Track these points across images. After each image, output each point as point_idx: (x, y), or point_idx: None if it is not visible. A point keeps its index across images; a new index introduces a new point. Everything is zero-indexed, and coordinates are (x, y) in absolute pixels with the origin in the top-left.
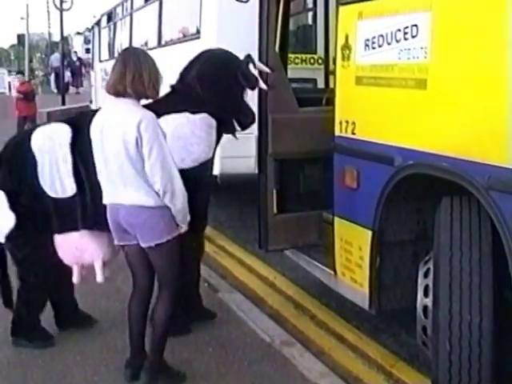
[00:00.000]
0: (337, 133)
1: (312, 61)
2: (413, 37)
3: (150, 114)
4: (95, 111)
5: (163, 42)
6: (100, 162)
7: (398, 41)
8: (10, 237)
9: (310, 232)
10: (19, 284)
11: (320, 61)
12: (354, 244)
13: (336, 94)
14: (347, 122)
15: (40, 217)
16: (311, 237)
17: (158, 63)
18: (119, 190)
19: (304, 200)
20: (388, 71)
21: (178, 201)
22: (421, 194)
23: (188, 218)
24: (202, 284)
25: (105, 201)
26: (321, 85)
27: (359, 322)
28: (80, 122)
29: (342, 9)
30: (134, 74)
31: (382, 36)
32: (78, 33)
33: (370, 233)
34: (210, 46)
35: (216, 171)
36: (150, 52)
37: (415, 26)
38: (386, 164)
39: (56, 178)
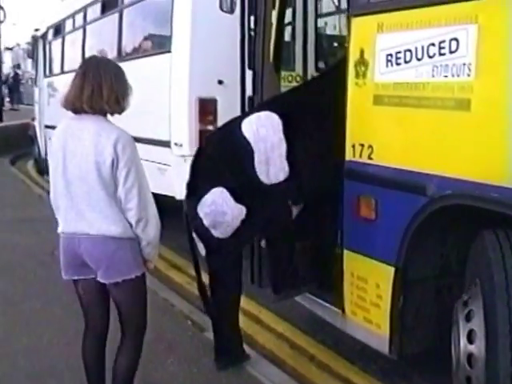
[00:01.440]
0: (348, 157)
1: (290, 78)
2: (451, 52)
3: (127, 134)
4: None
5: (124, 56)
6: (59, 185)
7: (431, 56)
8: (237, 232)
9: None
10: None
11: (298, 78)
12: (369, 281)
13: (347, 115)
14: (362, 146)
15: (261, 206)
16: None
17: None
18: (83, 217)
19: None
20: (418, 90)
21: (151, 230)
22: (445, 226)
23: (157, 251)
24: (185, 321)
25: (62, 229)
26: None
27: (364, 363)
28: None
29: (355, 21)
30: (92, 89)
31: (409, 51)
32: (8, 48)
33: (391, 269)
34: (182, 62)
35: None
36: None
37: (455, 39)
38: (415, 193)
39: (271, 164)
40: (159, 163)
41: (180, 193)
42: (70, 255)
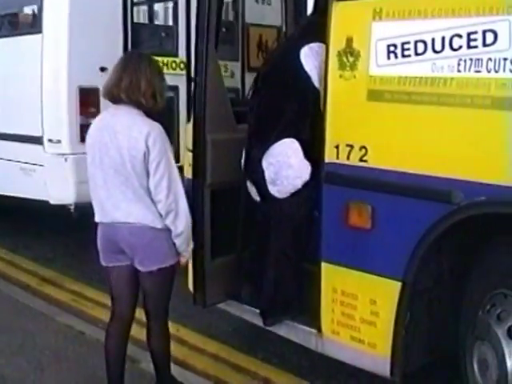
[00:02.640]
0: (329, 159)
1: (174, 65)
2: (486, 45)
3: (158, 126)
4: None
5: None
6: (97, 176)
7: (455, 49)
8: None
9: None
10: None
11: (182, 65)
12: (360, 297)
13: (326, 111)
14: (350, 147)
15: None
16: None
17: None
18: (120, 207)
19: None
20: (438, 86)
21: (181, 223)
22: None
23: (191, 245)
24: None
25: (99, 219)
26: (183, 93)
27: (325, 381)
28: None
29: (339, 5)
30: (130, 80)
31: (422, 42)
32: None
33: (396, 284)
34: (58, 45)
35: (70, 200)
36: None
37: (491, 31)
38: (435, 201)
39: None
40: (25, 163)
41: (57, 196)
42: (107, 242)
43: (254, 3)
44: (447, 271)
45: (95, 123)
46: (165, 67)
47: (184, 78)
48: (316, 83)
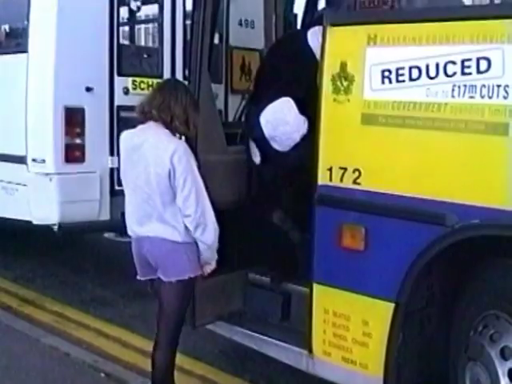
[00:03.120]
0: (322, 181)
1: None
2: (480, 72)
3: (183, 145)
4: None
5: None
6: (126, 191)
7: (449, 75)
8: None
9: (235, 297)
10: None
11: None
12: (353, 318)
13: (319, 134)
14: (344, 170)
15: None
16: (236, 303)
17: None
18: (143, 222)
19: (229, 258)
20: (432, 111)
21: (209, 236)
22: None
23: (216, 255)
24: (96, 374)
25: (129, 232)
26: None
27: None
28: None
29: (333, 31)
30: (163, 99)
31: (417, 68)
32: None
33: (389, 305)
34: (44, 64)
35: (54, 220)
36: None
37: (485, 58)
38: (429, 223)
39: None
40: (7, 182)
41: (40, 216)
42: (137, 257)
43: (238, 26)
44: (438, 291)
45: (124, 141)
46: (149, 88)
47: None
48: (317, 55)
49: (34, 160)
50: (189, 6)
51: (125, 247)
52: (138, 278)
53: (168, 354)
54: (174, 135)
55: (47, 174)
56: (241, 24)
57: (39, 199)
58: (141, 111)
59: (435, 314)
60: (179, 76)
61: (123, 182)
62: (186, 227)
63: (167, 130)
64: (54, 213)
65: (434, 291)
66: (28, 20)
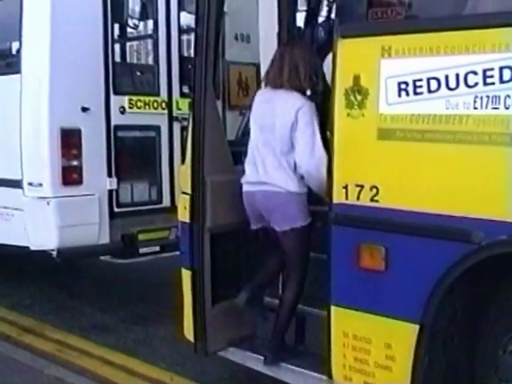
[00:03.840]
0: (337, 200)
1: (155, 105)
2: (503, 81)
3: (310, 104)
4: None
5: None
6: (253, 143)
7: (470, 86)
8: None
9: (247, 322)
10: None
11: (164, 105)
12: (374, 341)
13: (334, 151)
14: (361, 187)
15: None
16: (248, 328)
17: None
18: (259, 172)
19: (238, 281)
20: (453, 124)
21: (321, 186)
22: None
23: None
24: None
25: (244, 180)
26: (165, 132)
27: None
28: None
29: (345, 43)
30: (290, 70)
31: (435, 79)
32: None
33: (414, 327)
34: (39, 85)
35: (52, 245)
36: None
37: (509, 67)
38: (456, 241)
39: None
40: (2, 207)
41: (38, 242)
42: (250, 209)
43: (234, 40)
44: (460, 309)
45: (258, 97)
46: (146, 106)
47: (165, 118)
48: None
49: (30, 184)
50: (184, 21)
51: (123, 269)
52: (251, 227)
53: (297, 292)
54: (304, 94)
55: (44, 198)
56: (236, 38)
57: (37, 224)
58: (271, 84)
59: (457, 333)
60: (176, 93)
61: (252, 128)
62: (300, 177)
63: (297, 92)
64: (52, 238)
65: (457, 309)
66: (21, 39)
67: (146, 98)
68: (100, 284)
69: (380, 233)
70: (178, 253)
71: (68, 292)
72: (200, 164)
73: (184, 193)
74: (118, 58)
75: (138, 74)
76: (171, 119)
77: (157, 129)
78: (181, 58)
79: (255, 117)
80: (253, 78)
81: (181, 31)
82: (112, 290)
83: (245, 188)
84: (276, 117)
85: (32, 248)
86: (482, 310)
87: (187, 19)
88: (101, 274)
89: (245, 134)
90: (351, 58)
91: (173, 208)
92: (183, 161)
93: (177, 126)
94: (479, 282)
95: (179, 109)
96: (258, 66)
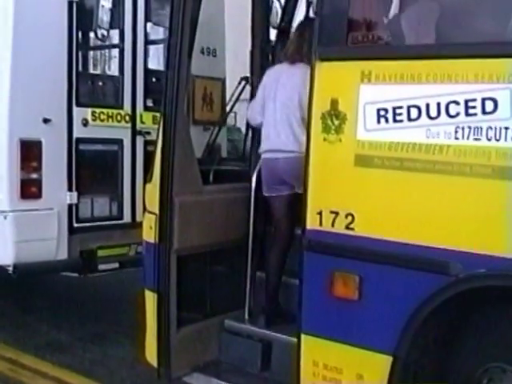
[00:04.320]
0: (311, 226)
1: (119, 118)
2: (485, 113)
3: None
4: None
5: None
6: (269, 109)
7: (452, 116)
8: None
9: (211, 346)
10: None
11: (127, 118)
12: (345, 371)
13: (308, 175)
14: (335, 214)
15: None
16: (212, 352)
17: None
18: (282, 140)
19: (204, 305)
20: (433, 153)
21: None
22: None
23: None
24: None
25: (263, 149)
26: (127, 146)
27: None
28: None
29: (323, 66)
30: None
31: (416, 107)
32: None
33: (387, 358)
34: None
35: (8, 260)
36: None
37: (491, 99)
38: (432, 272)
39: None
40: None
41: None
42: (269, 175)
43: (200, 54)
44: (431, 341)
45: (274, 71)
46: (109, 119)
47: (128, 132)
48: None
49: None
50: (150, 32)
51: (78, 283)
52: (265, 194)
53: (280, 254)
54: None
55: (1, 212)
56: (203, 52)
57: None
58: (290, 59)
59: (429, 363)
60: (140, 106)
61: (265, 100)
62: None
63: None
64: (8, 253)
65: (429, 341)
66: None
67: (110, 111)
68: (54, 299)
69: (354, 261)
70: (136, 269)
71: (20, 307)
72: (168, 183)
73: (149, 212)
74: (81, 68)
75: (102, 85)
76: (134, 133)
77: (119, 142)
78: (146, 70)
79: (272, 89)
80: (218, 92)
81: (147, 42)
82: (68, 307)
83: (266, 155)
84: (296, 87)
85: None
86: (454, 342)
87: (153, 31)
88: (55, 289)
89: (211, 151)
90: (329, 81)
91: (133, 224)
92: (149, 178)
93: (140, 140)
94: (452, 314)
95: (143, 122)
96: (223, 81)
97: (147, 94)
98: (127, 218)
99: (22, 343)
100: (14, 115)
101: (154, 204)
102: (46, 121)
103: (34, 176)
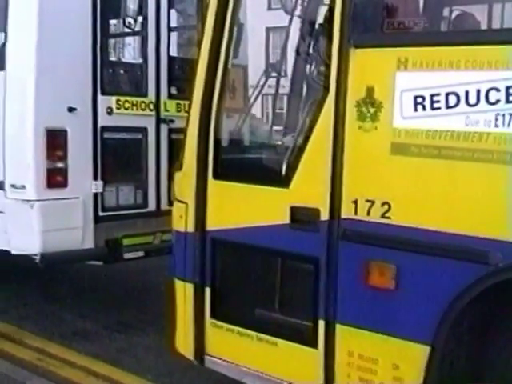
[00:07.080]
0: (346, 215)
1: (143, 106)
2: None
3: None
4: None
5: None
6: None
7: (492, 103)
8: None
9: None
10: None
11: (151, 106)
12: (381, 361)
13: (342, 163)
14: (371, 202)
15: None
16: None
17: None
18: None
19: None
20: (472, 141)
21: None
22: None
23: None
24: None
25: None
26: (152, 134)
27: None
28: None
29: (357, 53)
30: None
31: (454, 94)
32: None
33: (424, 349)
34: (24, 83)
35: (35, 250)
36: None
37: None
38: (471, 261)
39: None
40: None
41: (20, 246)
42: None
43: None
44: (466, 330)
45: None
46: (134, 107)
47: (152, 120)
48: None
49: (12, 186)
50: (173, 19)
51: (101, 272)
52: None
53: None
54: None
55: (28, 201)
56: None
57: (19, 228)
58: None
59: (463, 352)
60: (164, 94)
61: None
62: None
63: None
64: (35, 242)
65: (464, 330)
66: (6, 34)
67: (134, 99)
68: (78, 287)
69: (391, 250)
70: (160, 257)
71: (45, 296)
72: (204, 171)
73: (180, 201)
74: (105, 57)
75: (126, 73)
76: (158, 121)
77: (144, 131)
78: (169, 57)
79: None
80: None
81: (170, 30)
82: (93, 295)
83: None
84: None
85: (13, 252)
86: (490, 331)
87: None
88: (78, 277)
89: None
90: (364, 68)
91: (158, 212)
92: (178, 167)
93: (164, 128)
94: (490, 303)
95: (167, 110)
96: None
97: (171, 81)
98: (152, 206)
99: (48, 332)
100: (40, 105)
101: (184, 193)
102: (71, 110)
103: (60, 165)
